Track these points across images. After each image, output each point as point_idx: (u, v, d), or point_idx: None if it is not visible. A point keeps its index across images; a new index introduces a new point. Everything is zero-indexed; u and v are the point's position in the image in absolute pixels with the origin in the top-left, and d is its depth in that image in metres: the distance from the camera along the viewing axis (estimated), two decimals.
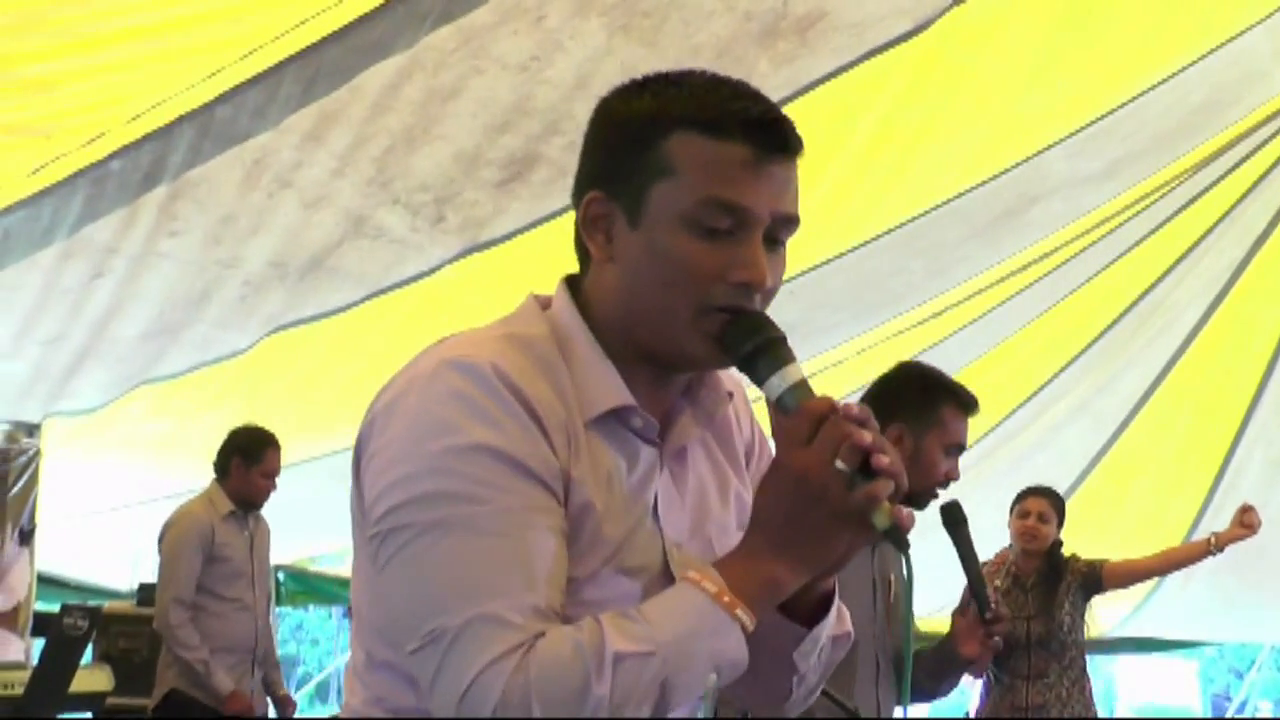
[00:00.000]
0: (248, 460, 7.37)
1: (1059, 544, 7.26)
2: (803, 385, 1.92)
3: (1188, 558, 7.68)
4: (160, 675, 7.48)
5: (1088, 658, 7.35)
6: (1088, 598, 7.24)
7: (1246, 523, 7.31)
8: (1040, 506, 7.21)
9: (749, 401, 2.23)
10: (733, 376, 2.12)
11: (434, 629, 1.79)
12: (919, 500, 4.19)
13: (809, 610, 2.04)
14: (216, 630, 7.43)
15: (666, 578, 1.97)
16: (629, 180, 1.94)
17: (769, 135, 1.91)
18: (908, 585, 2.02)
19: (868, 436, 1.84)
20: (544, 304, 2.04)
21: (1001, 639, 4.33)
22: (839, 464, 1.83)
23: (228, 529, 7.46)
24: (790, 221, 1.96)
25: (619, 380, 1.97)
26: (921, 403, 4.35)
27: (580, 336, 1.98)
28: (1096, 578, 7.24)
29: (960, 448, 4.31)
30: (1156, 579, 10.31)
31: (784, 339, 1.93)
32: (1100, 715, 7.33)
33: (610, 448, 1.97)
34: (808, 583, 1.95)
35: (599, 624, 1.81)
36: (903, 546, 1.89)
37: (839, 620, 2.14)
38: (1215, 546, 7.35)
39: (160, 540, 7.45)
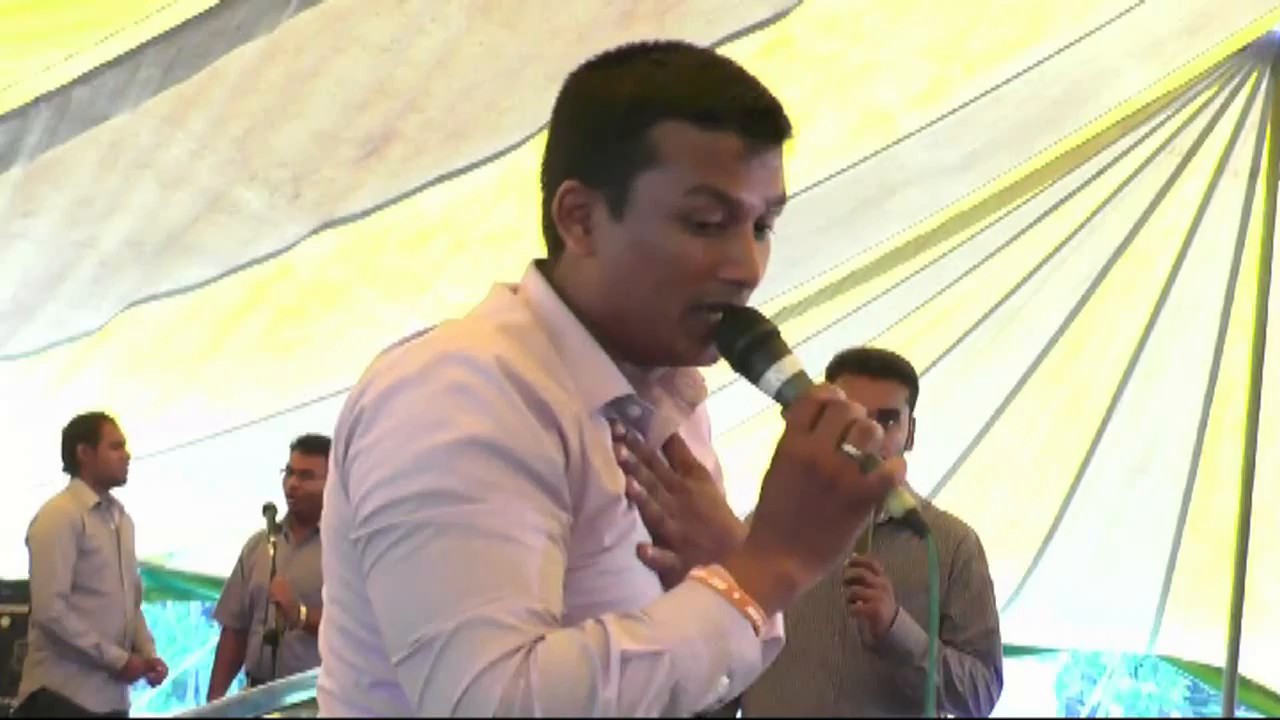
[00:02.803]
0: (89, 441, 7.56)
1: None
2: (801, 376, 1.92)
3: None
4: (27, 673, 7.72)
5: None
6: None
7: None
8: None
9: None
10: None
11: (422, 636, 1.74)
12: None
13: None
14: (91, 625, 7.61)
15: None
16: (612, 169, 1.91)
17: (763, 124, 1.90)
18: (930, 576, 1.99)
19: (875, 422, 1.86)
20: (512, 290, 2.01)
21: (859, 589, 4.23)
22: (848, 448, 1.83)
23: (95, 521, 7.72)
24: (781, 202, 1.96)
25: (615, 369, 1.95)
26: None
27: (570, 326, 1.95)
28: None
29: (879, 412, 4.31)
30: (1018, 586, 10.62)
31: (777, 333, 1.94)
32: None
33: (608, 440, 1.95)
34: None
35: (603, 625, 1.76)
36: (923, 532, 1.88)
37: (770, 621, 2.04)
38: None
39: (28, 538, 7.66)
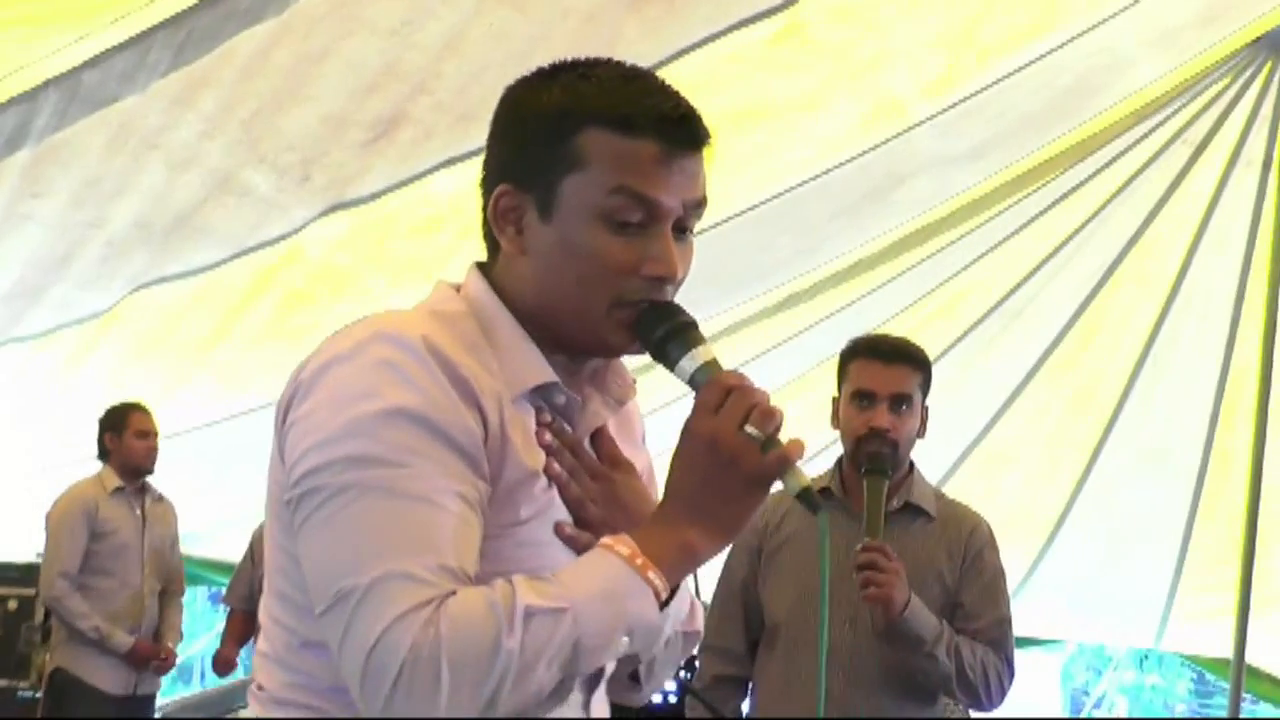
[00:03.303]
0: (116, 430, 7.75)
1: None
2: (712, 363, 2.06)
3: None
4: (51, 653, 7.93)
5: None
6: None
7: None
8: None
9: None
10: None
11: (342, 588, 1.87)
12: (866, 462, 4.37)
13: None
14: (98, 607, 7.70)
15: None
16: (541, 173, 2.06)
17: (679, 131, 2.06)
18: (821, 547, 2.13)
19: (776, 406, 2.00)
20: (455, 289, 2.17)
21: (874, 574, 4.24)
22: (750, 429, 1.97)
23: (113, 505, 7.89)
24: (700, 205, 2.11)
25: (542, 359, 2.09)
26: (839, 370, 4.59)
27: (501, 317, 2.09)
28: None
29: (868, 394, 4.44)
30: (1026, 575, 10.61)
31: (694, 324, 2.08)
32: None
33: (531, 422, 2.08)
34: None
35: (510, 583, 1.89)
36: (815, 508, 2.05)
37: (690, 616, 2.25)
38: None
39: (47, 517, 7.87)
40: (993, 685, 4.47)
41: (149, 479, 8.12)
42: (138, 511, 8.03)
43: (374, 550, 1.87)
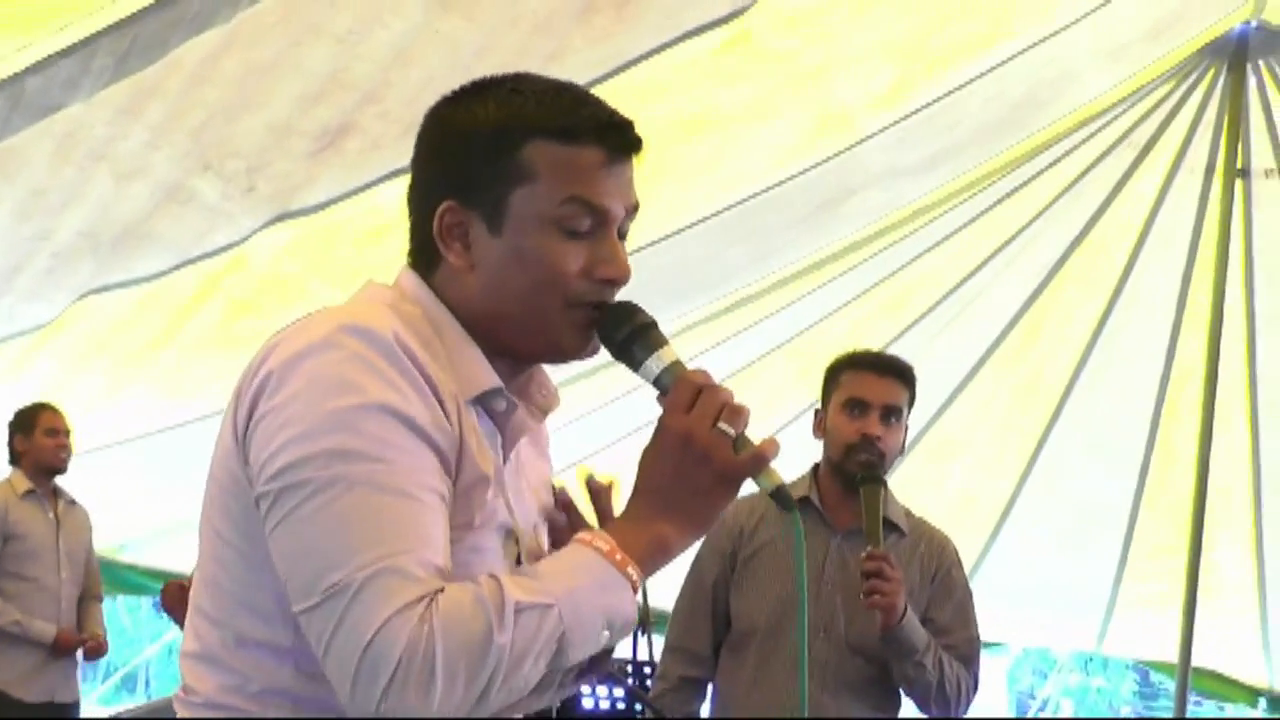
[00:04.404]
0: (25, 430, 7.67)
1: None
2: (677, 364, 2.11)
3: None
4: None
5: None
6: None
7: None
8: None
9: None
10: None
11: (335, 583, 1.85)
12: (860, 471, 4.44)
13: None
14: (6, 605, 7.62)
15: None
16: (486, 189, 2.08)
17: (619, 137, 2.11)
18: (798, 545, 2.24)
19: (744, 405, 2.05)
20: (387, 289, 2.17)
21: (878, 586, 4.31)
22: (723, 426, 2.03)
23: (24, 508, 7.78)
24: (636, 209, 2.16)
25: (488, 364, 2.11)
26: (826, 380, 4.66)
27: (449, 322, 2.11)
28: None
29: (860, 402, 4.51)
30: (971, 570, 10.61)
31: (655, 324, 2.13)
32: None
33: (479, 425, 2.09)
34: None
35: (496, 579, 1.91)
36: (789, 506, 2.13)
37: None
38: None
39: None
40: (963, 700, 4.60)
41: (61, 483, 8.02)
42: (50, 515, 7.94)
43: (364, 545, 1.87)
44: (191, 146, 5.66)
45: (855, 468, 4.46)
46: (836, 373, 4.64)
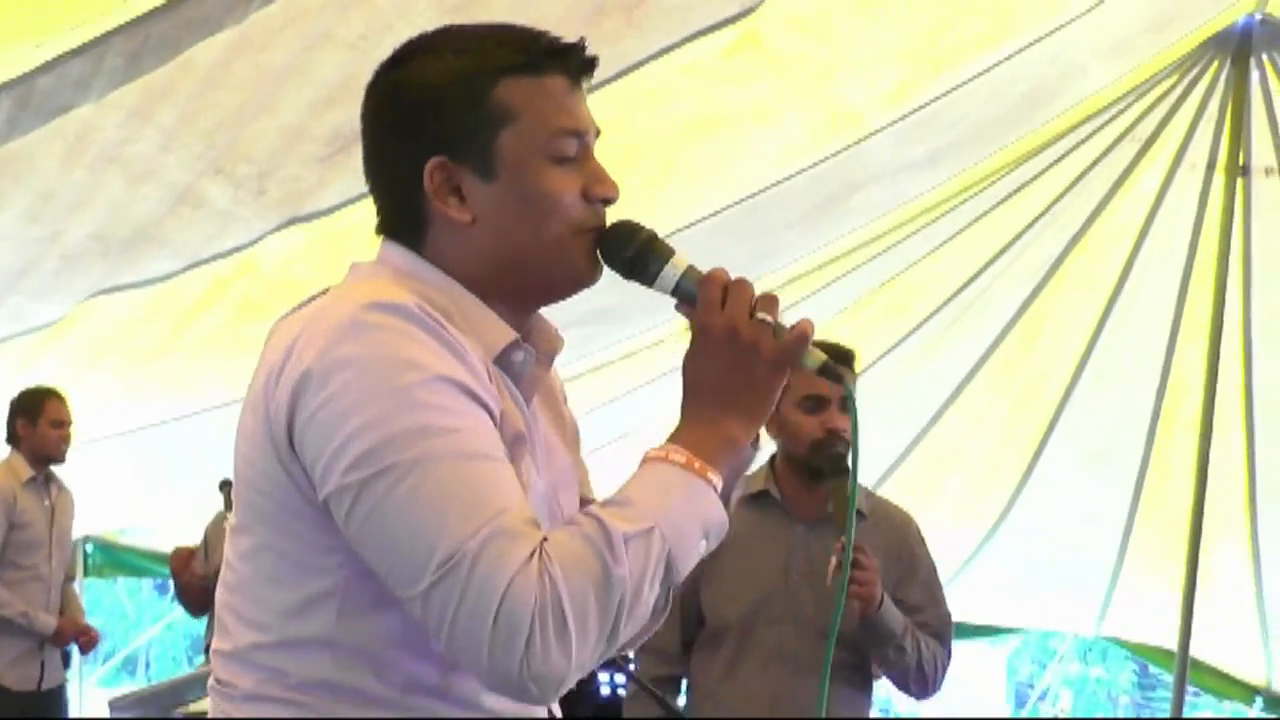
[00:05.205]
0: (30, 416, 7.62)
1: None
2: (693, 268, 2.12)
3: None
4: None
5: None
6: None
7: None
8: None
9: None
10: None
11: (448, 559, 1.84)
12: (829, 464, 4.45)
13: None
14: (12, 596, 7.62)
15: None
16: (472, 138, 2.08)
17: (575, 60, 2.12)
18: (854, 423, 2.27)
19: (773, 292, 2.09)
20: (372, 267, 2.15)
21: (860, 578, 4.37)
22: (761, 315, 2.05)
23: (28, 496, 7.75)
24: (599, 133, 2.17)
25: (501, 320, 2.11)
26: None
27: (453, 286, 2.10)
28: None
29: (818, 397, 4.52)
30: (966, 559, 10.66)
31: (657, 235, 2.14)
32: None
33: (507, 384, 2.10)
34: None
35: (594, 515, 1.92)
36: (837, 378, 2.15)
37: None
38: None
39: None
40: (940, 676, 4.69)
41: (54, 468, 7.97)
42: (46, 502, 7.91)
43: (465, 516, 1.86)
44: (203, 149, 5.64)
45: (825, 461, 4.47)
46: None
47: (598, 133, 2.16)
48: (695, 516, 1.98)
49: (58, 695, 8.16)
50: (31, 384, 7.58)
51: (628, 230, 2.13)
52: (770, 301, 2.07)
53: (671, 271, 2.12)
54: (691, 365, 2.09)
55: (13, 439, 7.84)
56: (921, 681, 4.64)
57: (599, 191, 2.12)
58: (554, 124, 2.09)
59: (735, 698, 4.56)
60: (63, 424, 7.75)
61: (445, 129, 2.09)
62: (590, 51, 2.14)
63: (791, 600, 4.55)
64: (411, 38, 2.15)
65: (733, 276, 2.10)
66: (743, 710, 4.55)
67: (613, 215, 2.18)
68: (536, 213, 2.08)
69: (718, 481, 2.02)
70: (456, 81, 2.08)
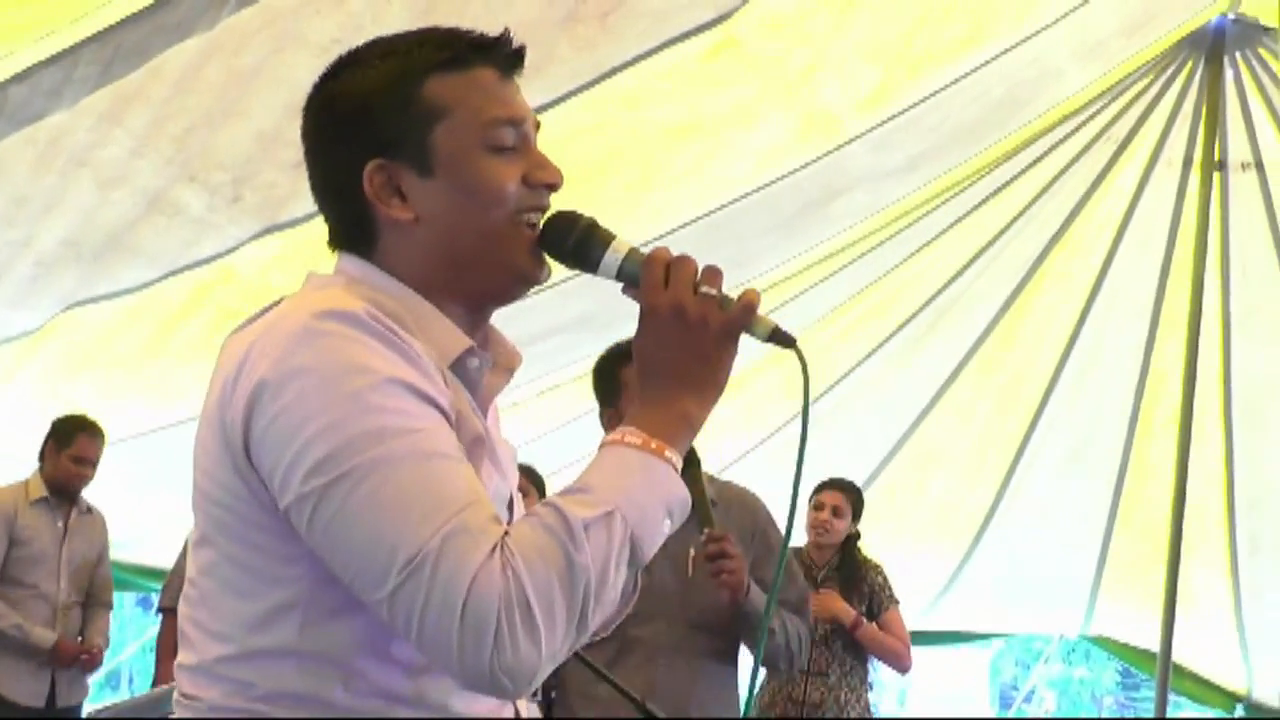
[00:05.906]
0: (59, 444, 7.64)
1: (854, 538, 7.38)
2: (634, 250, 2.10)
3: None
4: None
5: (874, 663, 7.49)
6: (871, 618, 7.33)
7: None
8: (835, 500, 7.35)
9: None
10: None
11: (410, 560, 1.82)
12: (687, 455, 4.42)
13: None
14: (7, 609, 7.56)
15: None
16: (406, 137, 2.06)
17: (501, 52, 2.10)
18: (805, 387, 2.16)
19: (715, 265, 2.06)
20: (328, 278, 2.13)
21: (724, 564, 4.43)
22: (706, 289, 2.03)
23: (34, 514, 7.72)
24: (538, 125, 2.15)
25: (455, 327, 2.08)
26: (605, 378, 4.69)
27: (406, 293, 2.08)
28: (874, 612, 7.34)
29: None
30: (954, 571, 10.63)
31: (596, 222, 2.12)
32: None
33: (461, 389, 2.08)
34: None
35: (551, 504, 1.90)
36: (788, 342, 2.09)
37: None
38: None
39: None
40: (804, 651, 4.86)
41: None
42: (59, 523, 7.86)
43: (426, 515, 1.84)
44: (175, 154, 5.61)
45: None
46: (615, 370, 4.60)
47: (538, 124, 2.14)
48: (656, 496, 1.97)
49: (72, 716, 8.08)
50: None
51: (566, 220, 2.11)
52: (713, 274, 2.05)
53: (614, 256, 2.10)
54: (642, 346, 2.08)
55: (40, 458, 7.83)
56: (788, 658, 4.77)
57: (540, 177, 2.10)
58: (487, 114, 2.07)
59: (613, 695, 4.48)
60: (85, 461, 7.74)
61: (379, 132, 2.08)
62: (517, 43, 2.12)
63: (655, 596, 4.40)
64: (340, 54, 2.14)
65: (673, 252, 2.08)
66: (621, 706, 4.52)
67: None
68: (478, 203, 2.07)
69: (676, 460, 2.01)
70: (385, 85, 2.07)
